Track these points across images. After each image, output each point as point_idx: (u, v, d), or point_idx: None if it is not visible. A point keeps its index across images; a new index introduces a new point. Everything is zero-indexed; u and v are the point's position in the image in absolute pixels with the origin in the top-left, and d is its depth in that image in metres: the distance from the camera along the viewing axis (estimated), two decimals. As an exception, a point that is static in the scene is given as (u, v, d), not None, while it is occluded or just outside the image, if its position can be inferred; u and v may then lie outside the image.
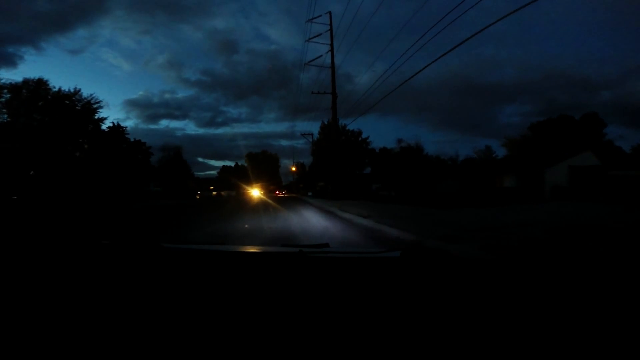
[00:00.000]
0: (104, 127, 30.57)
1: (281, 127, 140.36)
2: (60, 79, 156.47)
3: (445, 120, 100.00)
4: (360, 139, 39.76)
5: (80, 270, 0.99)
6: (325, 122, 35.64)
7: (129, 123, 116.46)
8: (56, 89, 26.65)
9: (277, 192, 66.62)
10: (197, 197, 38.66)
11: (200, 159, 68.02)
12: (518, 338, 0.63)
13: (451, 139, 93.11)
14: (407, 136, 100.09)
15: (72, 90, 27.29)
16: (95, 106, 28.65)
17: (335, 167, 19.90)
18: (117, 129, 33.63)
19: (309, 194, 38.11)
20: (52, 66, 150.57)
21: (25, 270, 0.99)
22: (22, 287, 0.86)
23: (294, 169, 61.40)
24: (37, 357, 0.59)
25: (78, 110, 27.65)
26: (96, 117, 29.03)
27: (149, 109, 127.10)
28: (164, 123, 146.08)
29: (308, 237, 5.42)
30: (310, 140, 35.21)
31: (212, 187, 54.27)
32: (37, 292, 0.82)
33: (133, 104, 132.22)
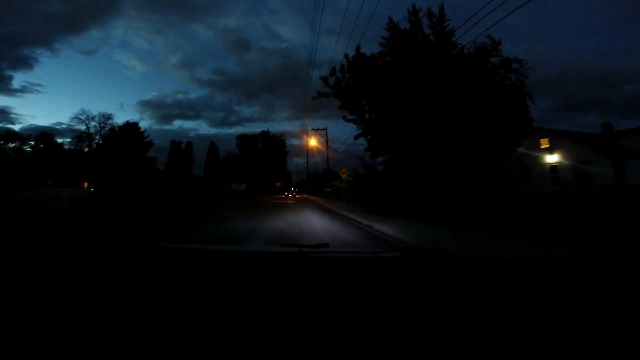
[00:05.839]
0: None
1: (293, 125, 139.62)
2: (75, 81, 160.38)
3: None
4: (495, 59, 12.95)
5: (80, 270, 1.00)
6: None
7: (143, 124, 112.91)
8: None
9: (286, 193, 43.10)
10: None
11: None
12: (518, 339, 0.62)
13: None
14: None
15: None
16: None
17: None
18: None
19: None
20: (67, 68, 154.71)
21: (24, 269, 1.01)
22: (21, 286, 0.87)
23: (313, 142, 33.36)
24: (38, 357, 0.59)
25: None
26: None
27: (162, 109, 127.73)
28: (177, 123, 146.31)
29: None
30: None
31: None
32: (37, 292, 0.83)
33: (147, 105, 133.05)
